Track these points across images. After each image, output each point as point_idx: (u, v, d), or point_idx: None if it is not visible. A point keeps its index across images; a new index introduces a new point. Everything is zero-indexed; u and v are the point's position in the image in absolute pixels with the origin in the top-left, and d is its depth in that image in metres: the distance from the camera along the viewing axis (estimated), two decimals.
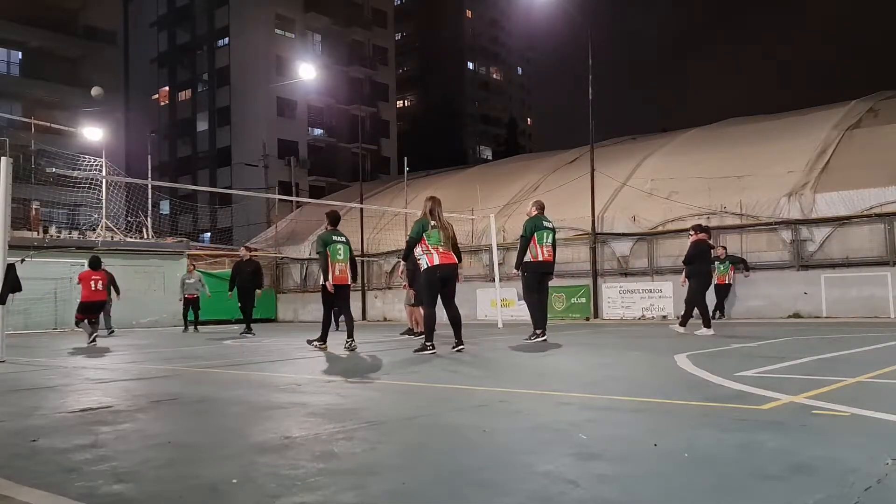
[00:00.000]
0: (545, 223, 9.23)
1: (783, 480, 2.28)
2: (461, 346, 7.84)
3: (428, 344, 7.69)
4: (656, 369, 5.88)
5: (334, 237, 8.78)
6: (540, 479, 2.36)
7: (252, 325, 14.38)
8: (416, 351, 7.77)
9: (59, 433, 3.48)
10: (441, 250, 7.70)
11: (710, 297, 16.45)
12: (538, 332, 9.14)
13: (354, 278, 9.20)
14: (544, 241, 9.13)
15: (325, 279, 8.63)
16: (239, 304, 14.39)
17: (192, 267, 18.91)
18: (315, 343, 8.94)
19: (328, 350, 8.69)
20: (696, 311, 10.47)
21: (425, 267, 7.77)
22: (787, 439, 2.87)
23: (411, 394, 4.87)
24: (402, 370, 6.44)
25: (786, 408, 3.62)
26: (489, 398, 4.32)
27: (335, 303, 8.96)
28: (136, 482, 2.47)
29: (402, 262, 12.31)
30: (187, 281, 17.82)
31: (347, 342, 8.56)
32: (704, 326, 10.17)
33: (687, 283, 10.52)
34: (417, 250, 7.81)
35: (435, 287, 7.80)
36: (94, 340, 12.03)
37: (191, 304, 17.85)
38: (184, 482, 2.49)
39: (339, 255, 8.72)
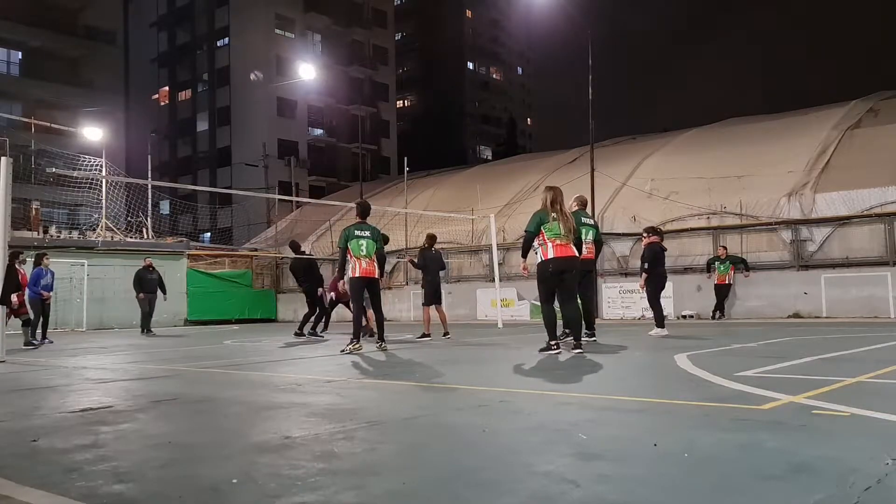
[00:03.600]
0: (584, 219, 8.87)
1: (783, 480, 2.28)
2: (581, 349, 7.20)
3: (552, 343, 7.24)
4: (656, 369, 5.88)
5: (356, 231, 8.44)
6: (540, 479, 2.36)
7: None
8: (540, 350, 7.33)
9: (59, 433, 3.48)
10: (558, 242, 7.21)
11: (711, 297, 16.55)
12: (565, 330, 8.58)
13: (381, 274, 8.78)
14: (583, 238, 8.48)
15: (342, 276, 8.41)
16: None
17: None
18: (348, 348, 8.31)
19: (363, 351, 8.22)
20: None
21: (539, 261, 7.32)
22: (787, 439, 2.86)
23: (411, 394, 4.86)
24: (403, 370, 6.44)
25: (786, 408, 3.62)
26: (489, 398, 4.32)
27: (363, 298, 8.61)
28: (136, 482, 2.47)
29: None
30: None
31: (379, 343, 8.52)
32: (657, 327, 10.13)
33: (645, 286, 10.44)
34: (534, 243, 7.36)
35: (549, 283, 7.31)
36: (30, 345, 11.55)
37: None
38: (184, 482, 2.49)
39: (362, 250, 8.38)
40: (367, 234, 8.50)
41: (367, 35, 52.54)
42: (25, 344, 11.41)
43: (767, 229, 16.93)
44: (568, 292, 7.41)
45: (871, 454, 2.55)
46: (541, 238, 7.27)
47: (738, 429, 3.14)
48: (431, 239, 11.77)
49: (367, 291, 8.64)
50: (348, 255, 8.45)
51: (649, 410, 3.73)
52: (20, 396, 5.23)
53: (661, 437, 2.95)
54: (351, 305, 8.80)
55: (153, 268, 16.67)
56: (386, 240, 9.34)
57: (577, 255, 7.41)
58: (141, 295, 16.35)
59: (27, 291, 12.53)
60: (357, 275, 8.38)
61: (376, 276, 8.53)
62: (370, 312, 11.08)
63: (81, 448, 3.08)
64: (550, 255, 7.21)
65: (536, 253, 7.37)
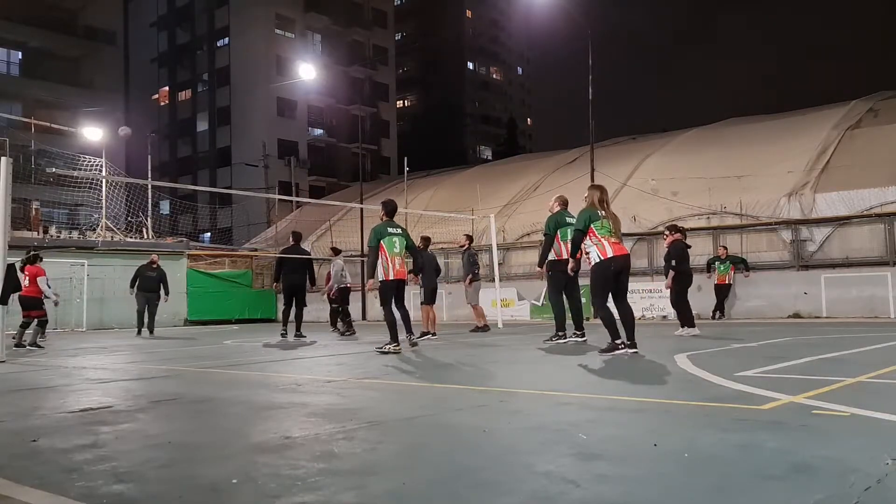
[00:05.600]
0: (568, 219, 8.73)
1: (783, 480, 2.28)
2: (636, 349, 6.94)
3: (618, 342, 7.01)
4: (656, 369, 5.87)
5: (389, 229, 8.23)
6: (540, 479, 2.36)
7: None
8: (602, 351, 7.08)
9: (59, 433, 3.48)
10: (613, 240, 6.98)
11: (711, 297, 16.54)
12: (560, 333, 8.95)
13: (415, 271, 8.86)
14: (568, 237, 8.35)
15: (371, 275, 8.14)
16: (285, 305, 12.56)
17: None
18: (388, 347, 8.13)
19: (402, 352, 8.08)
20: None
21: (597, 261, 7.03)
22: (787, 439, 2.86)
23: (411, 394, 4.87)
24: (402, 370, 6.43)
25: (786, 408, 3.61)
26: (489, 398, 4.32)
27: (392, 301, 8.34)
28: (136, 482, 2.47)
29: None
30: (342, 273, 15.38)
31: (409, 337, 8.47)
32: (688, 326, 10.03)
33: (672, 284, 10.37)
34: (588, 242, 7.10)
35: (609, 282, 7.08)
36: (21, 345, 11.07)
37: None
38: (184, 482, 2.49)
39: (395, 247, 8.19)
40: (399, 231, 8.38)
41: (367, 35, 52.53)
42: (31, 344, 11.24)
43: (767, 229, 16.92)
44: (623, 291, 7.22)
45: (871, 454, 2.55)
46: (594, 237, 7.02)
47: (738, 429, 3.14)
48: (426, 241, 12.08)
49: (397, 291, 8.39)
50: (382, 254, 8.15)
51: (649, 410, 3.73)
52: (20, 396, 5.23)
53: (661, 437, 2.94)
54: (383, 309, 8.48)
55: (156, 265, 15.68)
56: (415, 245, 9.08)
57: (629, 253, 7.25)
58: (132, 291, 15.38)
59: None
60: (391, 277, 8.13)
61: (405, 278, 8.41)
62: (434, 313, 11.43)
63: (81, 448, 3.08)
64: (610, 253, 6.93)
65: (589, 253, 7.11)
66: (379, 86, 53.49)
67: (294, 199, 33.82)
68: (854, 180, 16.23)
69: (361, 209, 23.97)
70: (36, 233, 21.49)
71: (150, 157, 29.31)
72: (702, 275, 16.84)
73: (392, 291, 8.25)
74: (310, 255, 13.85)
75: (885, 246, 15.38)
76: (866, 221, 15.73)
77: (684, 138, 23.23)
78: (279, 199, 34.93)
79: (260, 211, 36.49)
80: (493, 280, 17.22)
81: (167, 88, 53.12)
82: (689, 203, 18.09)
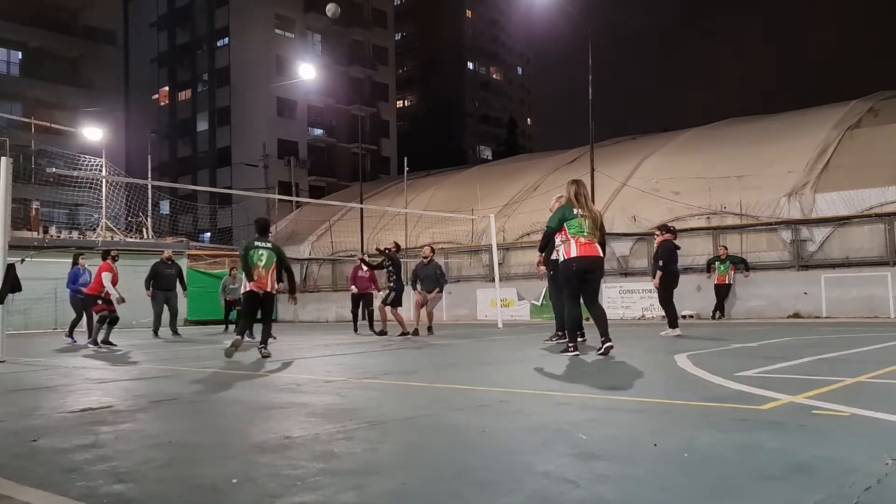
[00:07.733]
0: None
1: (783, 480, 2.28)
2: (610, 345, 6.75)
3: (570, 345, 6.97)
4: (656, 369, 5.87)
5: (257, 243, 8.40)
6: (540, 479, 2.36)
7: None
8: (561, 352, 7.07)
9: (59, 433, 3.48)
10: (582, 241, 6.83)
11: (711, 297, 16.55)
12: (560, 333, 8.90)
13: (292, 290, 8.78)
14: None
15: (249, 279, 8.37)
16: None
17: (235, 271, 16.06)
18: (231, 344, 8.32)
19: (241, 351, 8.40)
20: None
21: (562, 259, 6.99)
22: (787, 439, 2.86)
23: (411, 394, 4.86)
24: (402, 370, 6.44)
25: (786, 408, 3.61)
26: (489, 398, 4.32)
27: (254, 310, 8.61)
28: (136, 482, 2.47)
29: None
30: (231, 286, 15.68)
31: (261, 347, 8.48)
32: (670, 327, 9.95)
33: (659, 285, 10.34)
34: (556, 239, 7.05)
35: (573, 281, 6.97)
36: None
37: (233, 305, 15.69)
38: (184, 482, 2.49)
39: (262, 261, 8.27)
40: (269, 245, 8.44)
41: (367, 35, 52.52)
42: (102, 341, 10.83)
43: (767, 229, 16.93)
44: (592, 293, 7.10)
45: (871, 454, 2.55)
46: (563, 235, 6.93)
47: (738, 429, 3.14)
48: (397, 246, 13.41)
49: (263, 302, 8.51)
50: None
51: (649, 410, 3.73)
52: (20, 396, 5.23)
53: (661, 437, 2.94)
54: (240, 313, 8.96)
55: (172, 261, 15.18)
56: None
57: (601, 254, 7.09)
58: (149, 292, 14.74)
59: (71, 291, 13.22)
60: (249, 288, 8.34)
61: (269, 290, 8.40)
62: (397, 313, 12.26)
63: (81, 448, 3.08)
64: (574, 253, 6.83)
65: (558, 250, 7.08)
66: (379, 86, 53.48)
67: (294, 199, 33.86)
68: (854, 180, 16.23)
69: (361, 209, 24.00)
70: (36, 233, 21.49)
71: (150, 157, 29.32)
72: (702, 275, 16.88)
73: (251, 302, 8.45)
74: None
75: (885, 246, 15.38)
76: (866, 221, 15.73)
77: (684, 138, 23.23)
78: (279, 199, 34.94)
79: (260, 211, 36.34)
80: (493, 280, 17.22)
81: (167, 88, 53.10)
82: (690, 203, 18.10)
